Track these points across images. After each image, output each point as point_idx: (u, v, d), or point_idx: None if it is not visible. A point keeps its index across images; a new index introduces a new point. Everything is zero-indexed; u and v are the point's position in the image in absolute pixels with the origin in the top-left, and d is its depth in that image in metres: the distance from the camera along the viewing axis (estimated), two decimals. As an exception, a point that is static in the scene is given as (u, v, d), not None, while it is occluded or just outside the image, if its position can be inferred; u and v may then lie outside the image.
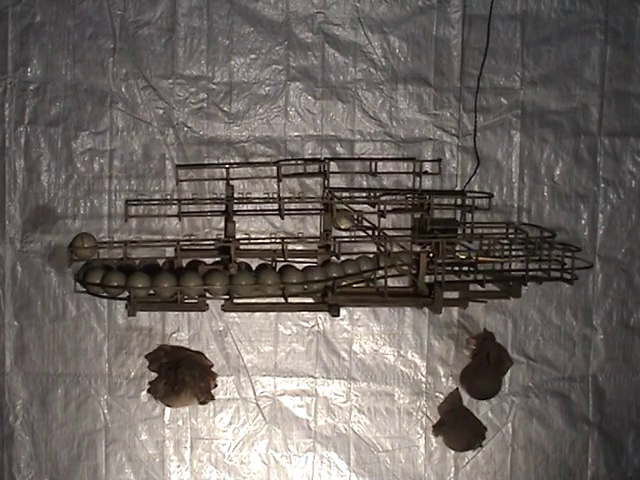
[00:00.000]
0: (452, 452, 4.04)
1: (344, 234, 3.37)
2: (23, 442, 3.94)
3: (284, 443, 4.01)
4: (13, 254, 3.85)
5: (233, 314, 3.92)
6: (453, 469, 4.07)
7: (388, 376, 4.02)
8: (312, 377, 4.00)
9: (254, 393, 3.99)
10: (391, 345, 4.01)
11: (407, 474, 4.05)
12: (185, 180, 3.74)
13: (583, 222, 4.02)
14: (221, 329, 3.95)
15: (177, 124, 3.86)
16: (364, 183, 3.87)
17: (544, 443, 4.10)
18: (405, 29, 3.90)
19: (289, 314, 3.94)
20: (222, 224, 3.77)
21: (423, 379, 4.02)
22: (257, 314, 3.92)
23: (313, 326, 3.98)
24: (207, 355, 3.94)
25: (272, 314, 3.93)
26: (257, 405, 4.00)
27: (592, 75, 3.95)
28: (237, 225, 3.80)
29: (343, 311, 3.95)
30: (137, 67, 3.82)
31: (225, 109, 3.88)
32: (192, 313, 3.89)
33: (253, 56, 3.87)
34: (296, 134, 3.91)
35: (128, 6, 3.80)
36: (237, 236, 3.32)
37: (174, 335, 3.93)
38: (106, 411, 3.95)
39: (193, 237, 3.69)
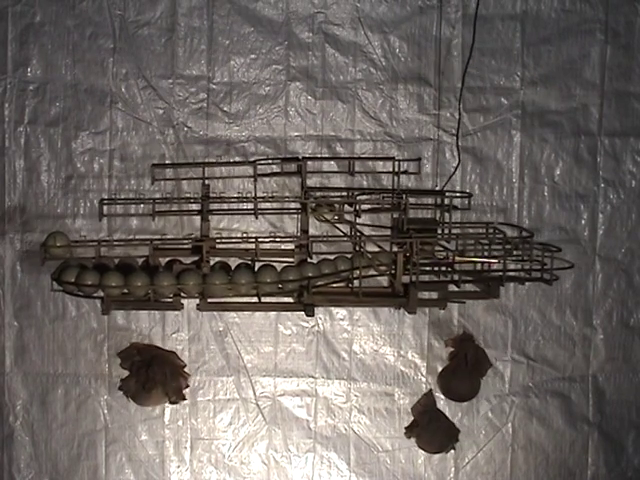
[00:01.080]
0: (452, 452, 4.03)
1: (319, 234, 3.39)
2: (23, 442, 3.94)
3: (284, 443, 4.01)
4: (13, 254, 3.85)
5: (233, 314, 3.92)
6: (453, 469, 4.06)
7: (388, 376, 4.02)
8: (312, 377, 4.00)
9: (254, 393, 3.99)
10: (391, 345, 4.01)
11: (407, 474, 4.05)
12: (161, 179, 3.75)
13: (583, 222, 4.02)
14: (221, 329, 3.95)
15: (177, 124, 3.86)
16: (364, 183, 3.87)
17: (544, 443, 4.09)
18: (405, 29, 3.90)
19: (289, 314, 3.94)
20: (222, 224, 3.80)
21: (423, 379, 4.02)
22: (257, 314, 3.92)
23: (313, 326, 3.98)
24: (207, 356, 3.94)
25: (272, 314, 3.93)
26: (257, 405, 4.00)
27: (592, 75, 3.95)
28: (237, 225, 3.83)
29: (343, 311, 3.97)
30: (137, 67, 3.82)
31: (225, 109, 3.88)
32: (192, 313, 3.89)
33: (253, 56, 3.87)
34: (296, 134, 3.91)
35: (128, 6, 3.80)
36: (237, 235, 3.32)
37: (174, 335, 3.93)
38: (106, 411, 3.95)
39: (166, 236, 3.68)
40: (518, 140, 3.96)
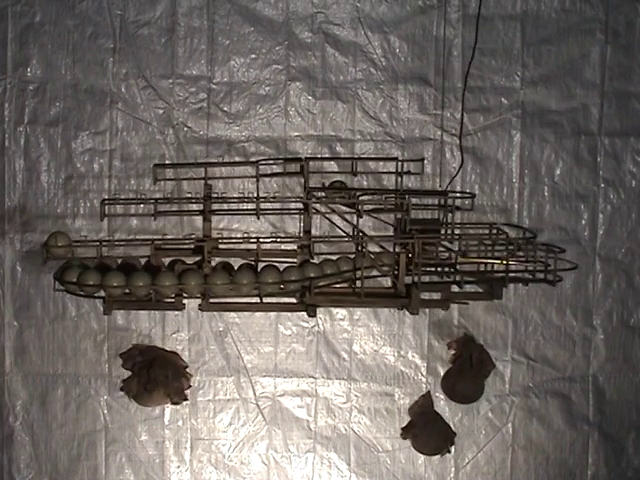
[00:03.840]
0: (452, 452, 4.03)
1: (321, 234, 3.40)
2: (23, 442, 3.94)
3: (284, 444, 4.01)
4: (13, 254, 3.85)
5: (233, 314, 3.92)
6: (453, 469, 4.06)
7: (388, 376, 4.02)
8: (312, 377, 4.00)
9: (254, 394, 3.99)
10: (391, 345, 4.01)
11: (407, 474, 4.05)
12: (164, 179, 3.76)
13: (583, 222, 4.01)
14: (221, 330, 3.95)
15: (177, 124, 3.86)
16: (364, 183, 3.86)
17: (544, 443, 4.09)
18: (405, 29, 3.90)
19: (289, 314, 3.93)
20: (222, 224, 3.80)
21: (423, 379, 4.02)
22: (257, 314, 3.92)
23: (313, 326, 3.98)
24: (207, 356, 3.94)
25: (272, 314, 3.93)
26: (257, 405, 3.99)
27: (592, 75, 3.95)
28: (237, 225, 3.83)
29: (343, 311, 3.97)
30: (137, 67, 3.82)
31: (225, 109, 3.87)
32: (192, 313, 3.89)
33: (253, 56, 3.87)
34: (296, 134, 3.90)
35: (128, 6, 3.79)
36: (238, 236, 3.33)
37: (174, 335, 3.93)
38: (106, 411, 3.95)
39: (167, 236, 3.69)
40: (518, 140, 3.96)
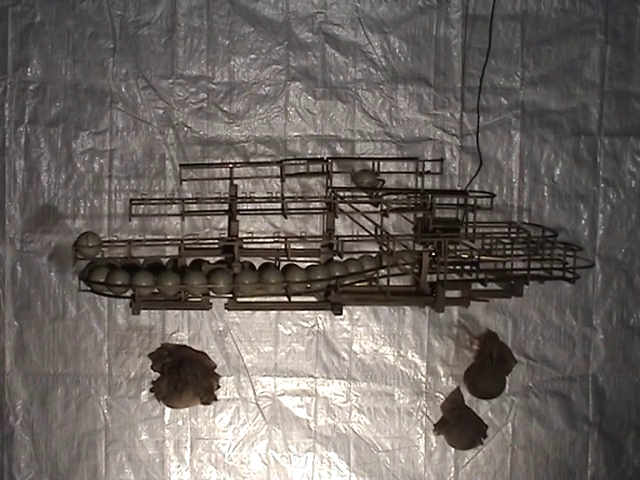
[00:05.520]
0: (452, 452, 4.04)
1: (345, 234, 3.39)
2: (23, 442, 3.94)
3: (284, 443, 4.02)
4: (13, 254, 3.85)
5: (233, 314, 3.92)
6: (453, 469, 4.07)
7: (388, 376, 4.02)
8: (312, 377, 4.00)
9: (254, 393, 3.99)
10: (391, 345, 4.01)
11: (407, 474, 4.06)
12: (188, 180, 3.74)
13: (583, 222, 4.02)
14: (221, 329, 3.95)
15: (177, 124, 3.86)
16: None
17: (544, 443, 4.09)
18: (405, 29, 3.90)
19: (289, 314, 3.94)
20: (222, 224, 3.80)
21: (423, 379, 4.02)
22: (257, 314, 3.93)
23: (313, 326, 3.98)
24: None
25: (272, 314, 3.94)
26: (257, 405, 4.00)
27: (592, 75, 3.95)
28: (245, 227, 3.83)
29: (343, 310, 3.96)
30: (137, 67, 3.82)
31: (225, 109, 3.88)
32: (192, 313, 3.90)
33: (253, 56, 3.87)
34: (296, 134, 3.91)
35: (128, 6, 3.80)
36: (240, 235, 3.33)
37: (174, 335, 3.93)
38: (106, 411, 3.95)
39: (197, 236, 3.69)
40: (518, 140, 3.96)
